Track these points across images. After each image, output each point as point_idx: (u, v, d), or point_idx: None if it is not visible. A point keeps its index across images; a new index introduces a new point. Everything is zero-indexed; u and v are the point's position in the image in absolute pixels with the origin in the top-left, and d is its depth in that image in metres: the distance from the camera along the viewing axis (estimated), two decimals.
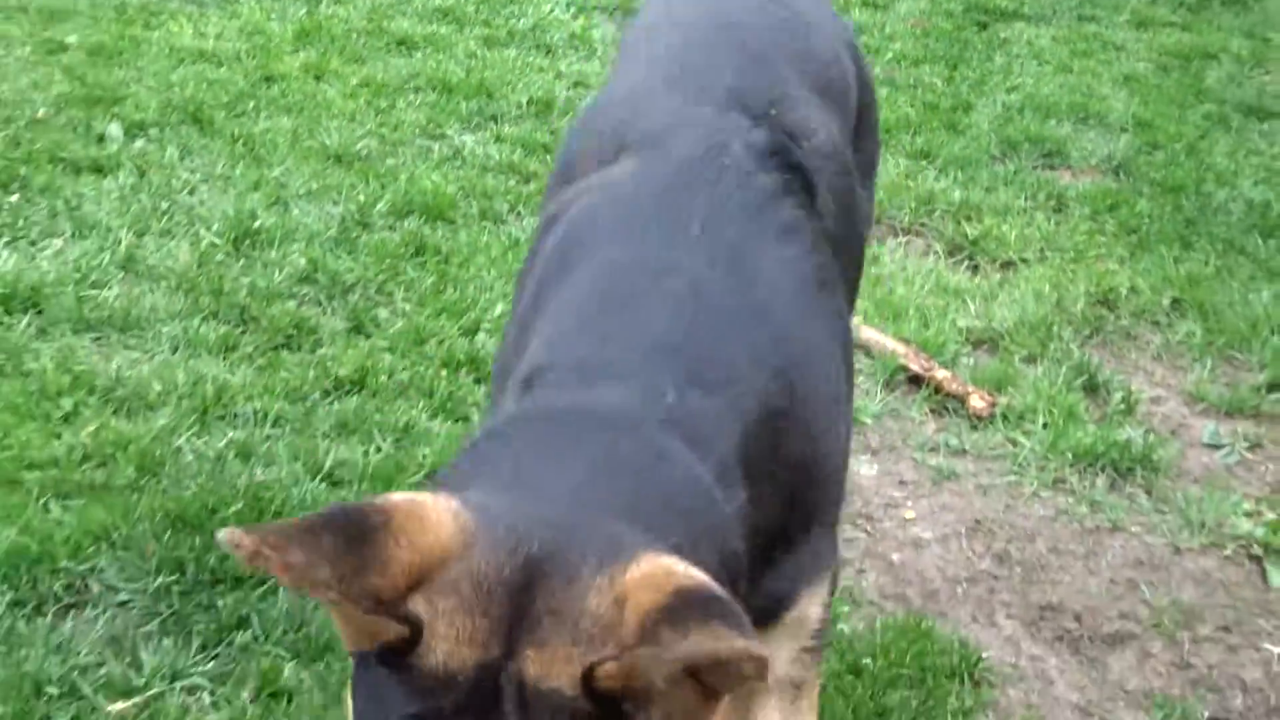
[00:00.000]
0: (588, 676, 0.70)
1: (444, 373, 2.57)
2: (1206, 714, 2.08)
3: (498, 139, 3.65)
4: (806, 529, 1.19)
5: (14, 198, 3.07)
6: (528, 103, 3.86)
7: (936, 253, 3.49)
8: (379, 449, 2.33)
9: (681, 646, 0.69)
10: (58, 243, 2.93)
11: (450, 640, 0.75)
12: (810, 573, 1.20)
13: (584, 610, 0.74)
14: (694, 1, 1.75)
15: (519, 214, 3.28)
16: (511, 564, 0.77)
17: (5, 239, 2.91)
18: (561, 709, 0.71)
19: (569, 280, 1.12)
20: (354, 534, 0.77)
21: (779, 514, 1.10)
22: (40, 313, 2.70)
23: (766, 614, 1.14)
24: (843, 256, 1.41)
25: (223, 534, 0.73)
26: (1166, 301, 3.29)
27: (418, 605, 0.75)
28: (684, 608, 0.72)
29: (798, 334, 1.19)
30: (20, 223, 2.97)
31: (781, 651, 1.24)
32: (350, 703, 0.82)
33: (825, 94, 1.52)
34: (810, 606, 1.21)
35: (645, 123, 1.26)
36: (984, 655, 2.14)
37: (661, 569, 0.75)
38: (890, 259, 3.19)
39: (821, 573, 1.23)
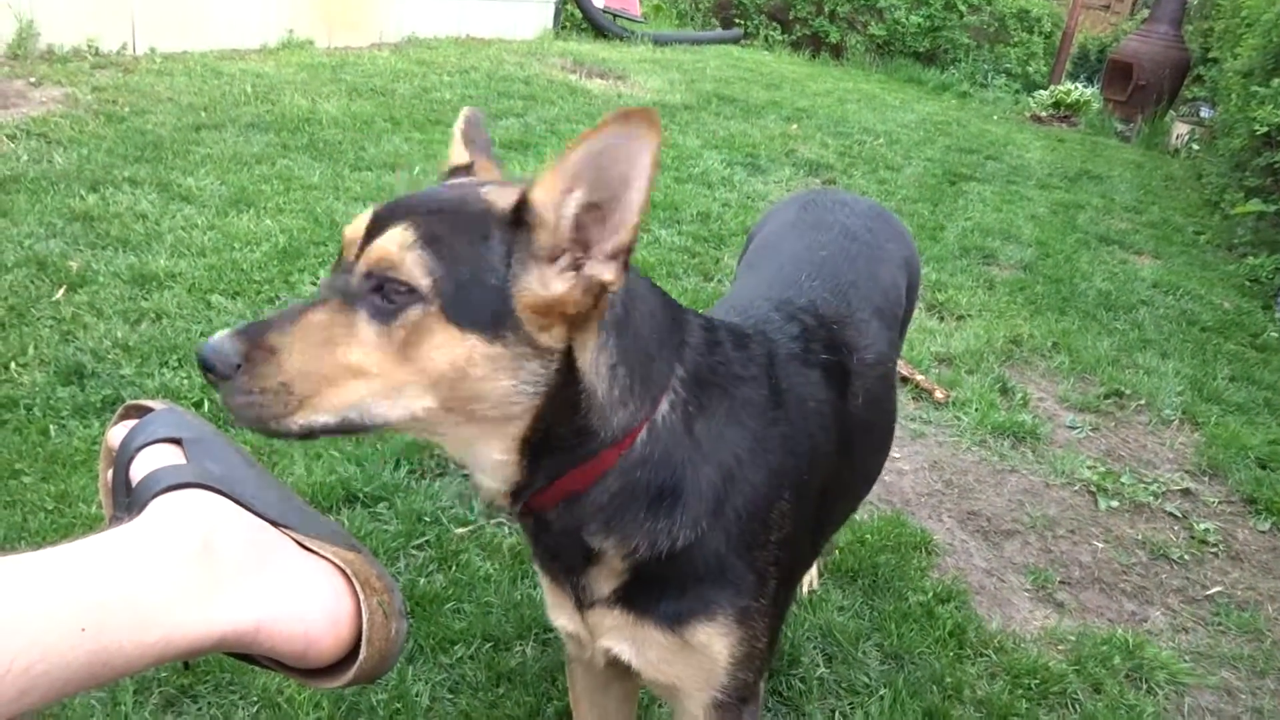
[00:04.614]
0: (519, 198, 0.94)
1: None
2: (1058, 579, 2.53)
3: (679, 233, 4.60)
4: (722, 553, 1.09)
5: None
6: (697, 213, 4.89)
7: (920, 309, 4.24)
8: None
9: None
10: None
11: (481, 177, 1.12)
12: (713, 603, 1.08)
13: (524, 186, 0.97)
14: (795, 235, 1.79)
15: (689, 274, 4.13)
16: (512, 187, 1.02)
17: None
18: (494, 219, 0.95)
19: None
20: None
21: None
22: None
23: (664, 623, 1.10)
24: (863, 435, 1.46)
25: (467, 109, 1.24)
26: (1050, 344, 4.12)
27: (475, 159, 1.17)
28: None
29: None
30: None
31: (689, 695, 1.16)
32: None
33: (881, 315, 1.60)
34: (712, 640, 1.10)
35: (749, 324, 1.35)
36: (934, 538, 2.60)
37: None
38: None
39: (726, 611, 1.09)
